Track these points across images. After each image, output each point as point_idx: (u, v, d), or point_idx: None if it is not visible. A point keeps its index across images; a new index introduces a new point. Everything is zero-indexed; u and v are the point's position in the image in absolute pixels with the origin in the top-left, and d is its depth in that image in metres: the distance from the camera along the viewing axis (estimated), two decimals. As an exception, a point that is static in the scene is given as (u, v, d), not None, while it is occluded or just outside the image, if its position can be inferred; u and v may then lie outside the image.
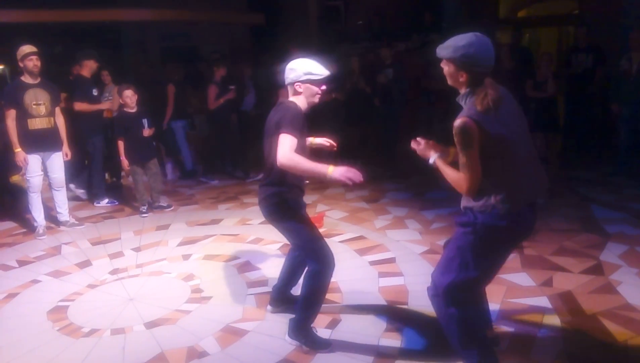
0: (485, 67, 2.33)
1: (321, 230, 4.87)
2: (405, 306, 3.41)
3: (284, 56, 7.58)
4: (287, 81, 2.98)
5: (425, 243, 4.51)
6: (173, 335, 3.19)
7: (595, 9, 8.50)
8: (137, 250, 4.66)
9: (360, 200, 5.91)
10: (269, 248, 4.58)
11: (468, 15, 9.77)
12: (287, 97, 2.98)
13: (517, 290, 3.56)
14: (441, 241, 4.49)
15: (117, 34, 10.43)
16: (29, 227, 5.31)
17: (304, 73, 2.93)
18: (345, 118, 7.36)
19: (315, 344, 3.00)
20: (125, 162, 5.58)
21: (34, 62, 4.86)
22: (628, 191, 5.73)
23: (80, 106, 5.93)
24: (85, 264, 4.38)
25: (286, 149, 2.79)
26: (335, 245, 4.58)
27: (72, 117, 5.93)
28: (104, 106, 6.30)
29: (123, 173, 7.29)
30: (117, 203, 6.15)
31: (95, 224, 5.46)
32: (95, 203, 6.17)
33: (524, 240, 2.88)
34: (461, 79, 2.37)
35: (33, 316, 3.50)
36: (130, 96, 5.55)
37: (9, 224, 5.54)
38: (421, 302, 3.44)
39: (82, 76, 6.05)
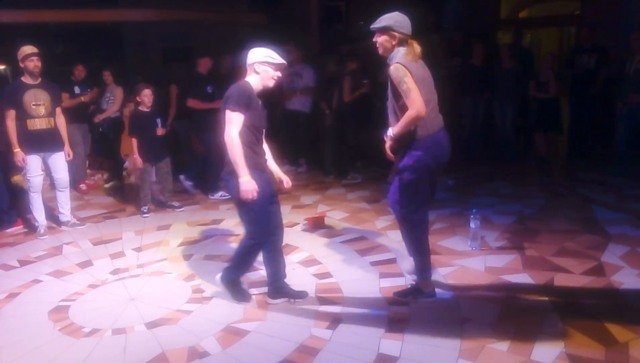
0: (408, 31, 3.19)
1: (322, 231, 4.92)
2: (406, 307, 3.41)
3: (285, 56, 7.60)
4: (248, 62, 3.33)
5: (426, 243, 4.50)
6: (174, 335, 3.19)
7: (597, 10, 8.51)
8: (138, 250, 4.66)
9: (362, 201, 5.91)
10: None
11: (469, 15, 9.78)
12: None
13: (519, 291, 3.56)
14: (442, 242, 4.50)
15: (118, 34, 10.43)
16: (30, 227, 5.32)
17: (265, 55, 3.30)
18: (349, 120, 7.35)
19: (238, 296, 3.55)
20: (138, 160, 5.56)
21: (34, 63, 4.85)
22: (629, 191, 5.73)
23: (193, 103, 6.07)
24: (86, 264, 4.38)
25: (230, 127, 3.18)
26: (336, 245, 4.59)
27: (185, 113, 6.19)
28: (217, 105, 6.22)
29: (124, 173, 7.31)
30: (227, 197, 6.02)
31: (97, 224, 5.46)
32: (209, 196, 6.25)
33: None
34: (393, 42, 3.18)
35: (34, 316, 3.51)
36: (148, 95, 5.57)
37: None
38: (423, 302, 3.45)
39: (198, 73, 6.19)
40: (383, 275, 3.91)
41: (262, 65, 3.28)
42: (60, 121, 5.16)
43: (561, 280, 3.69)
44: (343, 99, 6.77)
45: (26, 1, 8.19)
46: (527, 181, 6.44)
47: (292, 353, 2.95)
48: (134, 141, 5.56)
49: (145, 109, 5.63)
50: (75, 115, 6.29)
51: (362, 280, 3.85)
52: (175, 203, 5.91)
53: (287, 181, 3.52)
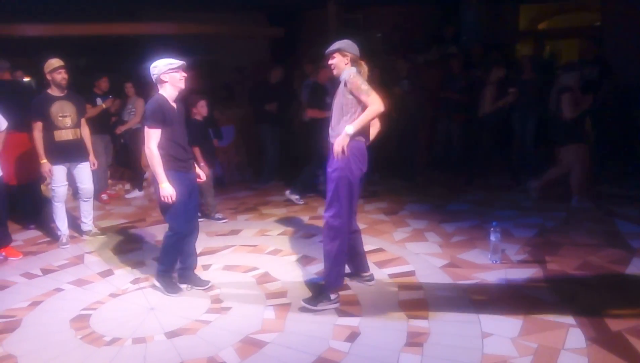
0: (357, 53, 3.60)
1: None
2: (425, 320, 3.38)
3: (303, 68, 7.66)
4: (154, 78, 3.76)
5: (446, 256, 4.47)
6: (193, 345, 3.20)
7: (618, 21, 8.42)
8: (157, 259, 4.70)
9: (379, 212, 5.90)
10: (288, 259, 4.59)
11: (488, 27, 9.75)
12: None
13: (541, 306, 3.51)
14: (462, 255, 4.46)
15: (140, 47, 10.62)
16: (53, 236, 5.40)
17: (165, 65, 3.70)
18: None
19: (168, 287, 3.92)
20: (205, 168, 5.38)
21: (62, 75, 4.95)
22: (653, 205, 5.63)
23: (312, 113, 6.20)
24: (107, 273, 4.43)
25: (148, 143, 3.68)
26: (354, 257, 4.57)
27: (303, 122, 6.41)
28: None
29: (145, 183, 7.41)
30: (301, 202, 6.36)
31: (117, 233, 5.53)
32: (288, 193, 6.35)
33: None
34: (346, 61, 3.56)
35: (56, 325, 3.55)
36: (204, 106, 5.72)
37: (33, 233, 5.64)
38: (442, 316, 3.42)
39: (317, 83, 6.32)
40: (402, 288, 3.88)
41: (167, 74, 3.70)
42: (85, 132, 5.26)
43: (584, 295, 3.63)
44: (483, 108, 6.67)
45: (51, 15, 8.39)
46: (548, 193, 6.36)
47: (310, 365, 2.94)
48: (197, 150, 5.46)
49: (200, 119, 5.73)
50: (98, 126, 6.40)
51: (381, 293, 3.83)
52: (219, 215, 5.92)
53: (202, 176, 4.11)
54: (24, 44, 8.63)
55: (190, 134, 5.75)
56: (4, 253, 4.83)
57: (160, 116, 3.67)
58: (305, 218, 5.78)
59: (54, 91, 5.01)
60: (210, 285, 4.05)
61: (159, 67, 3.71)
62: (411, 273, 4.14)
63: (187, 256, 4.05)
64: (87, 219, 5.43)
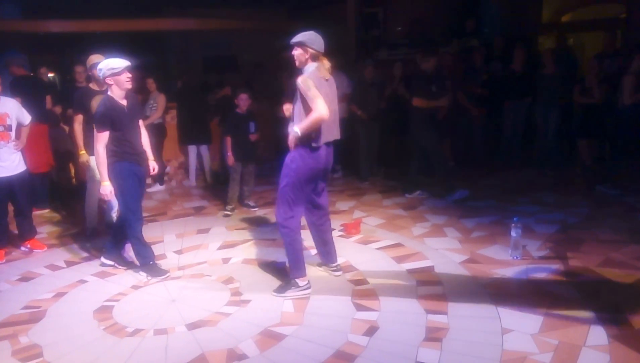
0: (320, 48, 3.57)
1: (358, 236, 4.91)
2: (445, 315, 3.37)
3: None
4: (101, 79, 3.99)
5: (465, 251, 4.44)
6: (213, 337, 3.25)
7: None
8: (179, 252, 4.77)
9: (398, 207, 5.88)
10: (306, 252, 4.60)
11: (510, 19, 9.60)
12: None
13: (562, 302, 3.47)
14: (482, 251, 4.43)
15: (161, 42, 10.73)
16: (78, 228, 5.50)
17: (107, 69, 3.88)
18: (384, 125, 7.33)
19: (153, 273, 4.20)
20: (231, 158, 5.89)
21: None
22: (680, 201, 5.51)
23: (418, 101, 6.03)
24: (129, 265, 4.51)
25: (96, 145, 3.95)
26: (372, 251, 4.57)
27: (404, 111, 6.34)
28: (440, 103, 6.29)
29: (166, 177, 7.49)
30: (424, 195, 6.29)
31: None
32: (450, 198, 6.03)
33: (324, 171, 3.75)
34: (307, 56, 3.55)
35: (80, 315, 3.63)
36: (244, 100, 5.92)
37: (58, 226, 5.75)
38: (461, 312, 3.40)
39: (423, 71, 6.12)
40: (420, 283, 3.87)
41: (110, 77, 3.92)
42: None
43: (606, 292, 3.58)
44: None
45: (74, 12, 8.53)
46: (571, 189, 6.27)
47: (328, 358, 2.96)
48: (228, 140, 5.90)
49: (241, 112, 5.93)
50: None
51: (399, 288, 3.83)
52: (251, 203, 6.17)
53: (152, 168, 4.43)
54: (49, 41, 8.79)
55: (227, 123, 6.09)
56: (29, 245, 4.95)
57: (108, 119, 3.93)
58: (324, 213, 5.79)
59: (94, 86, 5.09)
60: (135, 267, 4.36)
61: (102, 71, 3.92)
62: (430, 269, 4.13)
63: (121, 240, 4.40)
64: (114, 212, 5.52)
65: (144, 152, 4.28)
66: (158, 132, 7.26)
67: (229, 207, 5.94)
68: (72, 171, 7.15)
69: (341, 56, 8.30)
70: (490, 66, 7.89)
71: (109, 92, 4.02)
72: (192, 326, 3.40)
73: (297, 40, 3.56)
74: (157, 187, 7.28)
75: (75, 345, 3.24)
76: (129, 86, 3.99)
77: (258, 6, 10.34)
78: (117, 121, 3.96)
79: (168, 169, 7.74)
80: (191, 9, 9.83)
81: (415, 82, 6.23)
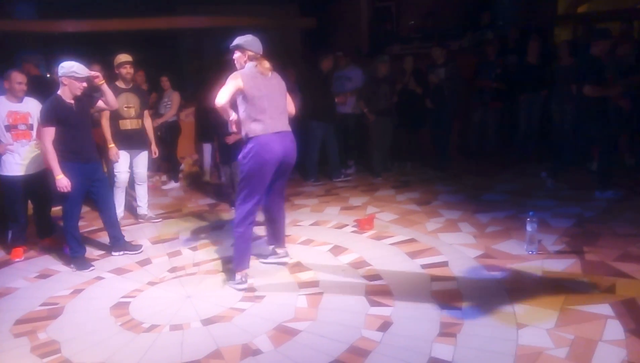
0: (258, 50, 3.80)
1: (372, 232, 4.91)
2: (459, 311, 3.35)
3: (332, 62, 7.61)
4: (59, 74, 4.19)
5: (480, 246, 4.41)
6: (228, 333, 3.28)
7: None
8: (194, 249, 4.81)
9: (412, 202, 5.86)
10: (320, 249, 4.62)
11: (525, 11, 9.48)
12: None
13: (578, 297, 3.43)
14: (497, 246, 4.40)
15: (174, 41, 10.79)
16: (94, 226, 5.58)
17: (69, 71, 4.13)
18: (396, 120, 7.30)
19: (79, 266, 4.43)
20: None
21: (127, 70, 5.37)
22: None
23: (591, 90, 5.36)
24: (145, 262, 4.56)
25: (45, 140, 4.17)
26: (386, 247, 4.56)
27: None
28: (612, 91, 5.56)
29: (180, 175, 7.55)
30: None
31: (155, 224, 5.67)
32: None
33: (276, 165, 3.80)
34: (245, 58, 3.77)
35: (97, 312, 3.69)
36: None
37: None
38: (476, 307, 3.38)
39: (593, 57, 5.44)
40: (434, 278, 3.86)
41: (68, 78, 4.14)
42: (148, 123, 5.65)
43: (623, 286, 3.53)
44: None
45: (89, 11, 8.62)
46: (587, 182, 6.18)
47: (342, 353, 2.96)
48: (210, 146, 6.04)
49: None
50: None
51: (413, 283, 3.82)
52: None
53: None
54: (64, 40, 8.89)
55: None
56: (47, 244, 5.02)
57: (54, 116, 4.15)
58: (337, 209, 5.79)
59: (121, 84, 5.39)
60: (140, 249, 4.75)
61: (64, 70, 4.16)
62: (444, 264, 4.11)
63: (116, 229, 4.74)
64: (142, 203, 5.78)
65: (92, 151, 4.47)
66: (172, 130, 7.33)
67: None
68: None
69: (353, 50, 8.28)
70: (506, 59, 7.80)
71: (59, 92, 4.25)
72: (207, 321, 3.43)
73: (234, 43, 3.78)
74: (172, 184, 7.34)
75: (92, 341, 3.29)
76: (79, 92, 4.24)
77: (271, 3, 10.34)
78: (62, 120, 4.18)
79: (182, 166, 7.80)
80: (204, 7, 9.87)
81: (587, 68, 5.49)
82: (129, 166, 5.59)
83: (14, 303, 3.90)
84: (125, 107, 5.38)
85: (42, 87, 6.06)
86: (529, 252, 4.18)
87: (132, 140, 5.47)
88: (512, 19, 9.19)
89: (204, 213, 5.99)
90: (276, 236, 4.29)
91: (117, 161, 5.41)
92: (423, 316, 3.32)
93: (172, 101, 7.18)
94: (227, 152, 5.92)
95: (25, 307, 3.81)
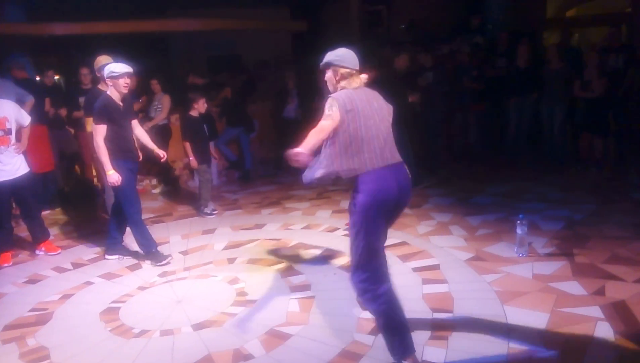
0: (353, 65, 2.91)
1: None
2: (450, 314, 3.36)
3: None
4: (105, 77, 4.39)
5: (471, 249, 4.43)
6: (219, 337, 3.26)
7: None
8: (185, 253, 4.79)
9: (404, 205, 5.85)
10: (312, 252, 4.61)
11: (514, 15, 9.57)
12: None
13: (568, 299, 3.45)
14: (487, 248, 4.42)
15: (165, 43, 10.77)
16: (84, 230, 5.53)
17: (109, 72, 4.28)
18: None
19: (156, 260, 4.51)
20: (194, 162, 5.91)
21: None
22: (687, 196, 5.46)
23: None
24: (135, 267, 4.53)
25: (96, 137, 4.28)
26: (378, 250, 4.56)
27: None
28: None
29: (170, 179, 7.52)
30: None
31: (145, 228, 5.62)
32: None
33: None
34: (337, 77, 2.91)
35: (86, 317, 3.65)
36: (204, 104, 6.00)
37: (64, 228, 5.79)
38: (467, 310, 3.40)
39: None
40: (426, 282, 3.86)
41: (110, 79, 4.29)
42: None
43: (613, 288, 3.56)
44: None
45: (78, 14, 8.57)
46: (577, 185, 6.23)
47: (334, 357, 2.96)
48: (188, 145, 5.89)
49: (196, 115, 5.93)
50: None
51: (404, 286, 3.80)
52: (208, 210, 6.01)
53: (162, 156, 4.75)
54: (54, 43, 8.83)
55: (183, 129, 6.12)
56: (43, 248, 4.95)
57: (105, 114, 4.28)
58: (329, 212, 5.79)
59: (103, 87, 5.01)
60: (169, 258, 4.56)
61: (105, 72, 4.33)
62: (435, 267, 4.12)
63: (121, 232, 4.70)
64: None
65: (136, 149, 4.59)
66: (163, 134, 7.28)
67: (208, 209, 5.92)
68: (79, 172, 7.20)
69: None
70: (495, 63, 7.87)
71: (108, 92, 4.39)
72: (198, 326, 3.41)
73: (323, 61, 2.96)
74: (163, 188, 7.29)
75: (82, 347, 3.26)
76: (124, 90, 4.35)
77: (261, 6, 10.35)
78: (113, 119, 4.30)
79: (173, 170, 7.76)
80: (195, 10, 9.86)
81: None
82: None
83: (2, 309, 3.86)
84: None
85: (29, 90, 6.02)
86: (519, 255, 4.20)
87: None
88: (502, 23, 9.27)
89: (194, 216, 5.97)
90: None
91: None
92: (415, 320, 3.31)
93: (162, 104, 7.14)
94: (207, 152, 6.01)
95: (13, 313, 3.77)
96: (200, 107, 5.94)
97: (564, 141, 7.35)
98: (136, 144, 4.62)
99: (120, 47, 5.88)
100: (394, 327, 2.79)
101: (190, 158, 5.90)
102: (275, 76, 8.83)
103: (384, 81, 5.76)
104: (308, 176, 2.85)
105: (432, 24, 9.55)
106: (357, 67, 2.94)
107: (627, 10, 9.49)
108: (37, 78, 7.28)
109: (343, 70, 2.91)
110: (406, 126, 6.16)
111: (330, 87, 2.99)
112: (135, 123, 4.74)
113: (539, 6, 10.24)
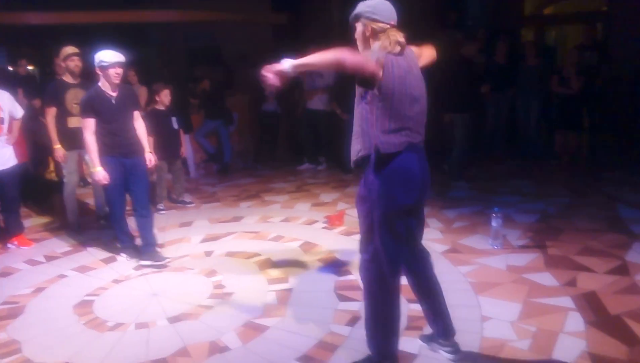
0: (386, 19, 2.47)
1: (342, 228, 4.93)
2: (425, 305, 3.39)
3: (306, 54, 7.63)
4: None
5: (447, 241, 4.48)
6: (195, 330, 3.24)
7: (625, 5, 8.33)
8: (161, 246, 4.73)
9: (382, 199, 5.88)
10: (290, 245, 4.61)
11: (493, 12, 9.66)
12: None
13: (540, 290, 3.52)
14: (463, 240, 4.47)
15: (143, 34, 10.60)
16: (57, 223, 5.44)
17: (99, 61, 4.04)
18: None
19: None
20: (153, 157, 5.58)
21: (75, 63, 4.94)
22: (657, 190, 5.60)
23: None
24: (110, 260, 4.48)
25: (84, 131, 4.14)
26: (355, 243, 4.56)
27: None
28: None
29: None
30: None
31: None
32: None
33: None
34: (367, 33, 2.48)
35: (60, 310, 3.59)
36: (167, 95, 5.76)
37: (37, 221, 5.68)
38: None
39: None
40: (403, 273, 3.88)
41: (99, 69, 4.06)
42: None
43: (584, 279, 3.64)
44: None
45: (54, 3, 8.39)
46: (551, 179, 6.34)
47: (311, 349, 2.97)
48: (150, 139, 5.45)
49: (162, 108, 5.77)
50: None
51: (382, 278, 3.84)
52: (187, 199, 6.07)
53: (149, 160, 4.44)
54: (28, 33, 8.64)
55: (147, 122, 5.51)
56: (16, 242, 4.84)
57: (91, 107, 4.09)
58: (308, 205, 5.80)
59: (68, 78, 4.98)
60: (167, 260, 4.29)
61: (96, 61, 4.07)
62: (412, 259, 4.14)
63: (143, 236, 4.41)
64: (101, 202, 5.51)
65: (133, 144, 4.30)
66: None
67: (160, 206, 5.82)
68: (52, 165, 7.06)
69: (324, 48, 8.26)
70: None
71: (99, 83, 4.16)
72: (174, 319, 3.38)
73: (355, 12, 2.52)
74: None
75: (54, 340, 3.21)
76: (115, 80, 4.10)
77: (241, -2, 10.26)
78: (101, 111, 4.10)
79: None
80: (173, 1, 9.73)
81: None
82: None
83: (-28, 303, 3.78)
84: (75, 103, 4.86)
85: (3, 81, 5.89)
86: (494, 247, 4.26)
87: (81, 139, 4.91)
88: (481, 19, 9.36)
89: (171, 209, 5.91)
90: (438, 317, 2.81)
91: (64, 163, 5.06)
92: (390, 311, 3.34)
93: (139, 95, 7.03)
94: (171, 147, 5.80)
95: (-16, 306, 3.69)
96: (162, 99, 5.71)
97: (539, 135, 7.48)
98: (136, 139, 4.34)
99: (96, 38, 5.78)
100: (385, 324, 2.62)
101: (150, 152, 5.60)
102: (255, 69, 8.77)
103: (453, 64, 5.68)
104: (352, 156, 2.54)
105: (411, 18, 9.57)
106: (393, 22, 2.47)
107: (604, 8, 9.65)
108: (10, 68, 7.12)
109: (375, 24, 2.45)
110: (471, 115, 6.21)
111: (360, 47, 2.53)
112: (136, 115, 4.49)
113: (517, 3, 10.35)
